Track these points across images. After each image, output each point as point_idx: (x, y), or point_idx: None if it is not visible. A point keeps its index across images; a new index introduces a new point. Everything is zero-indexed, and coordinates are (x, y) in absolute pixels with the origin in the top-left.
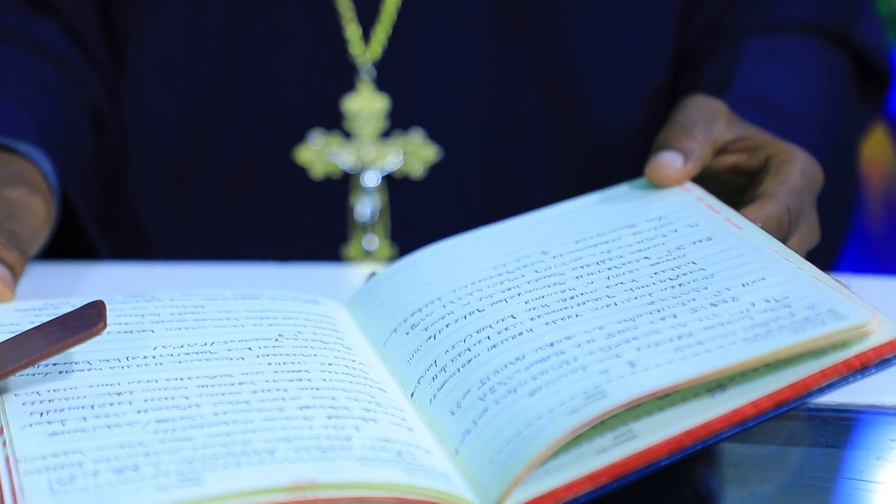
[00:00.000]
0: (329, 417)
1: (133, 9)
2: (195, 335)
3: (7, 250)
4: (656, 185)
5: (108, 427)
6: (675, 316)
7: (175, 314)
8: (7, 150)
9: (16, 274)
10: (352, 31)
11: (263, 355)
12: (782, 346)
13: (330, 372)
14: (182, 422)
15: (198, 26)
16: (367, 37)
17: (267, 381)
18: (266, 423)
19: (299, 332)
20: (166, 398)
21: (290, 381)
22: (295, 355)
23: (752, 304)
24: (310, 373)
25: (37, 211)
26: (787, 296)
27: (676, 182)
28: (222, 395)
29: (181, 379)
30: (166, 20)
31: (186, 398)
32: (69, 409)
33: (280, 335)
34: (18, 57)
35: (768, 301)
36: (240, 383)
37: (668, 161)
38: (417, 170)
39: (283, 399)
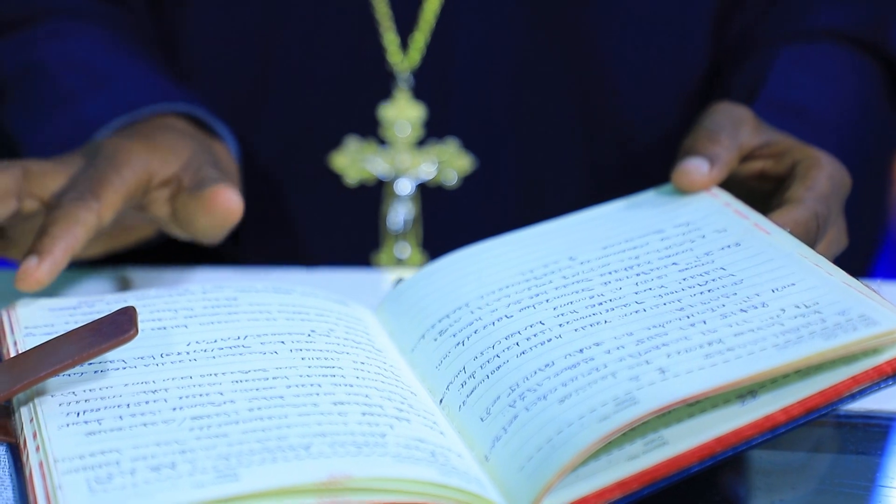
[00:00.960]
0: (363, 414)
1: (173, 11)
2: (228, 329)
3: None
4: (683, 191)
5: (144, 425)
6: (704, 322)
7: (208, 308)
8: (200, 128)
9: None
10: (390, 39)
11: (297, 350)
12: (813, 353)
13: (363, 370)
14: (217, 418)
15: (236, 31)
16: (404, 45)
17: (301, 377)
18: (301, 419)
19: (331, 329)
20: (201, 395)
21: (323, 376)
22: (328, 351)
23: (783, 310)
24: (343, 369)
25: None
26: (817, 301)
27: (703, 188)
28: (256, 390)
29: (215, 374)
30: (205, 26)
31: (221, 394)
32: (105, 408)
33: (313, 331)
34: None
35: (798, 307)
36: (274, 378)
37: (695, 167)
38: (451, 179)
39: (318, 394)
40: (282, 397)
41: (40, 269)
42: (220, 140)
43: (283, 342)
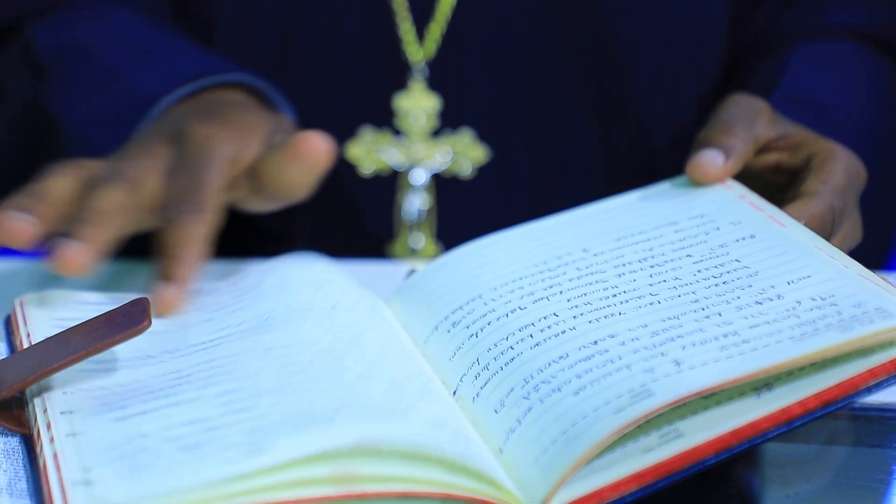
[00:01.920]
0: (386, 391)
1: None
2: (252, 311)
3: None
4: (697, 183)
5: (169, 406)
6: (719, 314)
7: (234, 297)
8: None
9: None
10: (406, 29)
11: (319, 324)
12: (830, 345)
13: (386, 347)
14: (242, 392)
15: (251, 21)
16: (420, 36)
17: (324, 350)
18: (324, 392)
19: (355, 305)
20: (225, 373)
21: (347, 350)
22: (351, 325)
23: (798, 303)
24: (365, 345)
25: None
26: (833, 294)
27: (717, 179)
28: (280, 366)
29: (237, 355)
30: (220, 17)
31: (244, 371)
32: (131, 395)
33: (337, 304)
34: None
35: (814, 299)
36: (296, 353)
37: (710, 158)
38: (466, 169)
39: (341, 368)
40: (304, 371)
41: (178, 298)
42: (280, 110)
43: (304, 317)
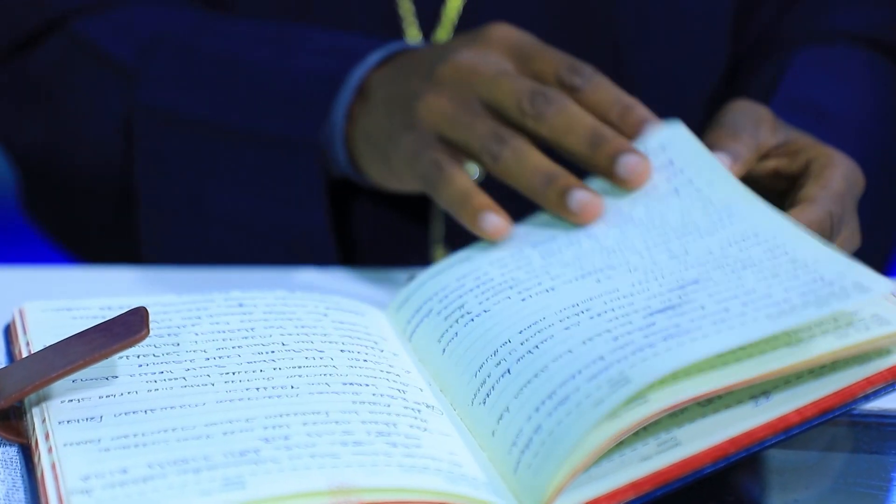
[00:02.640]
0: (368, 423)
1: None
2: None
3: None
4: None
5: (169, 418)
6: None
7: (217, 315)
8: None
9: None
10: (413, 35)
11: (300, 358)
12: (806, 321)
13: (366, 374)
14: (227, 426)
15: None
16: (427, 41)
17: (308, 384)
18: (305, 428)
19: (332, 334)
20: (229, 389)
21: (328, 385)
22: (332, 358)
23: (776, 276)
24: (347, 376)
25: None
26: (808, 265)
27: None
28: (259, 396)
29: (247, 371)
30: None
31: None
32: (130, 404)
33: (315, 336)
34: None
35: (792, 272)
36: (280, 386)
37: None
38: (474, 173)
39: (325, 407)
40: (289, 408)
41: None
42: None
43: (284, 345)
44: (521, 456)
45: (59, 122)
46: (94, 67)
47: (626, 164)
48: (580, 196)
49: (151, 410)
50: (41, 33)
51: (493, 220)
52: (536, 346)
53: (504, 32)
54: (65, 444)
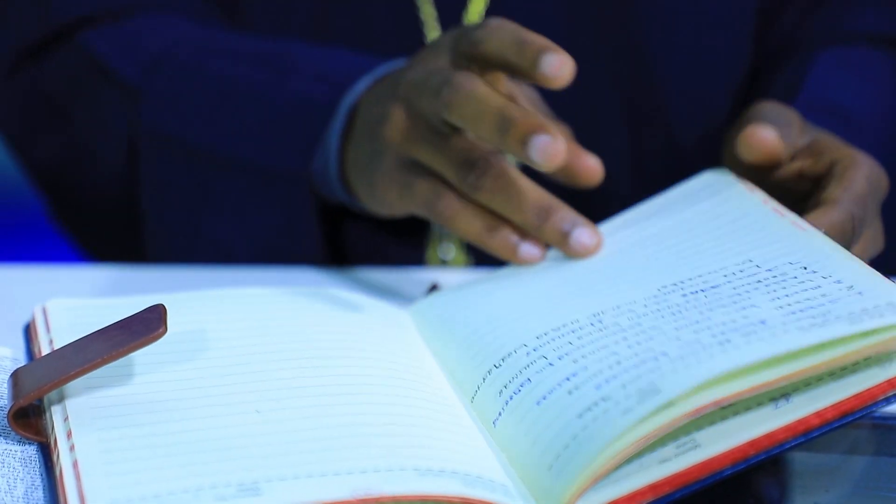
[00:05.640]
0: (387, 425)
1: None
2: (255, 340)
3: None
4: (748, 156)
5: (185, 420)
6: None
7: (260, 321)
8: None
9: None
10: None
11: (321, 363)
12: (837, 336)
13: (385, 382)
14: (242, 428)
15: (281, 33)
16: None
17: (327, 388)
18: (324, 432)
19: (354, 338)
20: (226, 407)
21: (348, 390)
22: (350, 364)
23: (808, 291)
24: (364, 383)
25: None
26: (843, 283)
27: (772, 153)
28: (278, 401)
29: (236, 392)
30: (251, 29)
31: (245, 406)
32: (148, 403)
33: (337, 340)
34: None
35: (822, 292)
36: (298, 392)
37: (766, 131)
38: None
39: (342, 410)
40: (308, 411)
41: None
42: None
43: (306, 355)
44: (541, 459)
45: (71, 138)
46: (102, 85)
47: (536, 146)
48: (579, 233)
49: (170, 410)
50: (48, 43)
51: (529, 249)
52: (566, 353)
53: (453, 32)
54: (85, 443)
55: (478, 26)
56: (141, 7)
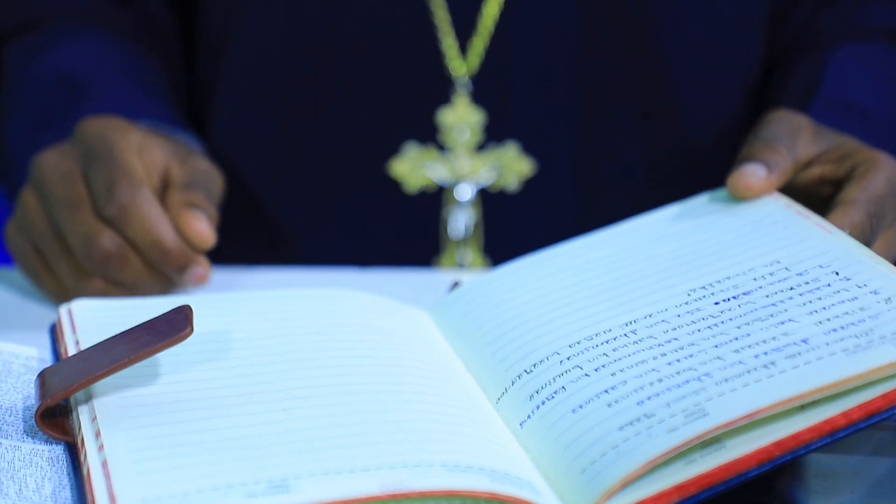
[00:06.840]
0: (416, 422)
1: (227, 16)
2: (283, 341)
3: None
4: (739, 197)
5: (210, 419)
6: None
7: (268, 319)
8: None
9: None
10: (448, 44)
11: (350, 361)
12: (884, 363)
13: (411, 380)
14: (272, 426)
15: (292, 36)
16: (463, 50)
17: (356, 386)
18: (352, 429)
19: (384, 337)
20: (258, 404)
21: (376, 388)
22: (380, 362)
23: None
24: (393, 381)
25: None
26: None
27: (759, 193)
28: (306, 399)
29: (267, 391)
30: (260, 30)
31: (276, 404)
32: (176, 403)
33: (366, 340)
34: (132, 47)
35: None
36: (327, 390)
37: (752, 171)
38: (512, 183)
39: (372, 407)
40: (335, 409)
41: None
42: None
43: (335, 354)
44: (572, 463)
45: None
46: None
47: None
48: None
49: (198, 408)
50: None
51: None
52: (602, 364)
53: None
54: (114, 442)
55: (112, 197)
56: (58, 16)
